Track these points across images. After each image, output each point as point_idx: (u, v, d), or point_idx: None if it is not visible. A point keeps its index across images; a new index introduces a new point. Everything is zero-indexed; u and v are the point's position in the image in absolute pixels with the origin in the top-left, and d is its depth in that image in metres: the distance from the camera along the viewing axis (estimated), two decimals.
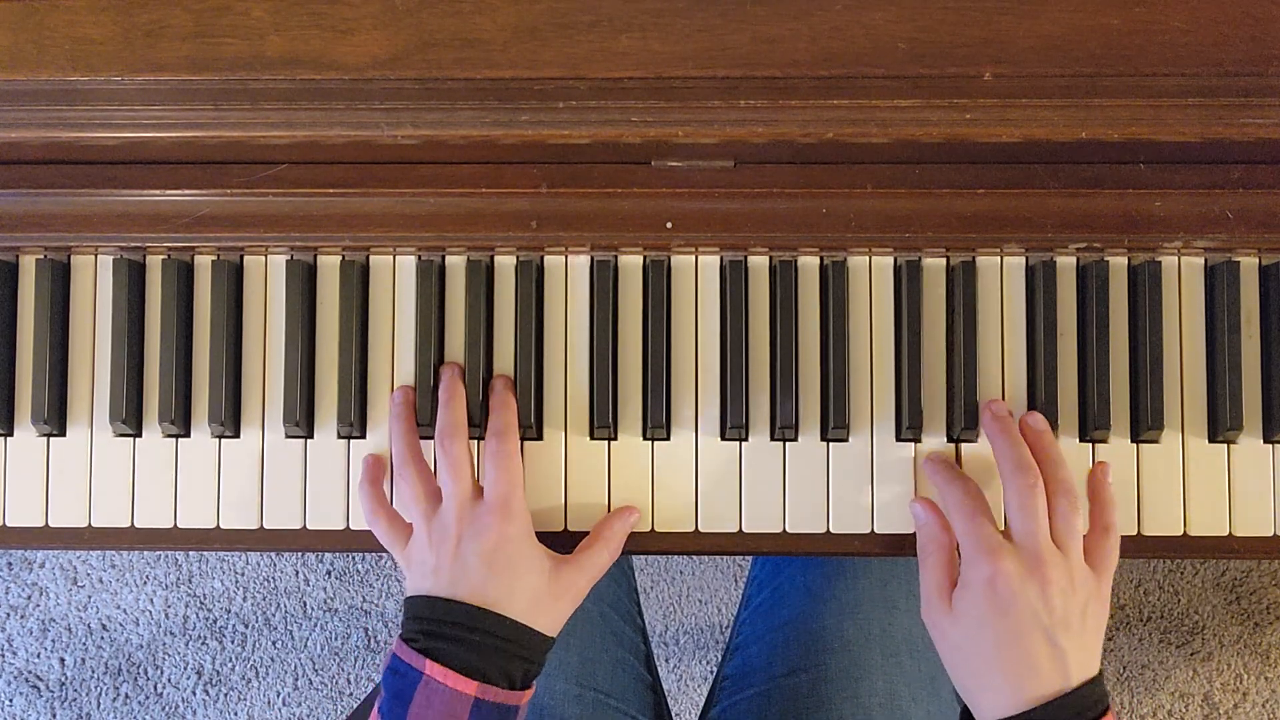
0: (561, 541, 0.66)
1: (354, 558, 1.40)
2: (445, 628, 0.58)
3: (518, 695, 0.59)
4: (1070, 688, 0.56)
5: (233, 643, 1.39)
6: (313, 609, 1.40)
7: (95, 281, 0.67)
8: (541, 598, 0.61)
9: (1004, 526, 0.63)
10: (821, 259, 0.67)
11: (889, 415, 0.66)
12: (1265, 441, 0.66)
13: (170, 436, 0.67)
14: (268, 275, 0.68)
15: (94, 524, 0.67)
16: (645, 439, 0.67)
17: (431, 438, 0.66)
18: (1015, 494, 0.59)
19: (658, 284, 0.66)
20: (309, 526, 0.67)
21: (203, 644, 1.39)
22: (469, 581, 0.59)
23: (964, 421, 0.65)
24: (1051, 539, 0.58)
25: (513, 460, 0.62)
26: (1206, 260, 0.66)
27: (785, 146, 0.61)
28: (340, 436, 0.67)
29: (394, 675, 0.58)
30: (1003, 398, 0.66)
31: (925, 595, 0.61)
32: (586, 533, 0.66)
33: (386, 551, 0.65)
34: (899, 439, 0.66)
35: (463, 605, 0.58)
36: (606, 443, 0.66)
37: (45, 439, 0.67)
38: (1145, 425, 0.65)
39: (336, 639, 1.39)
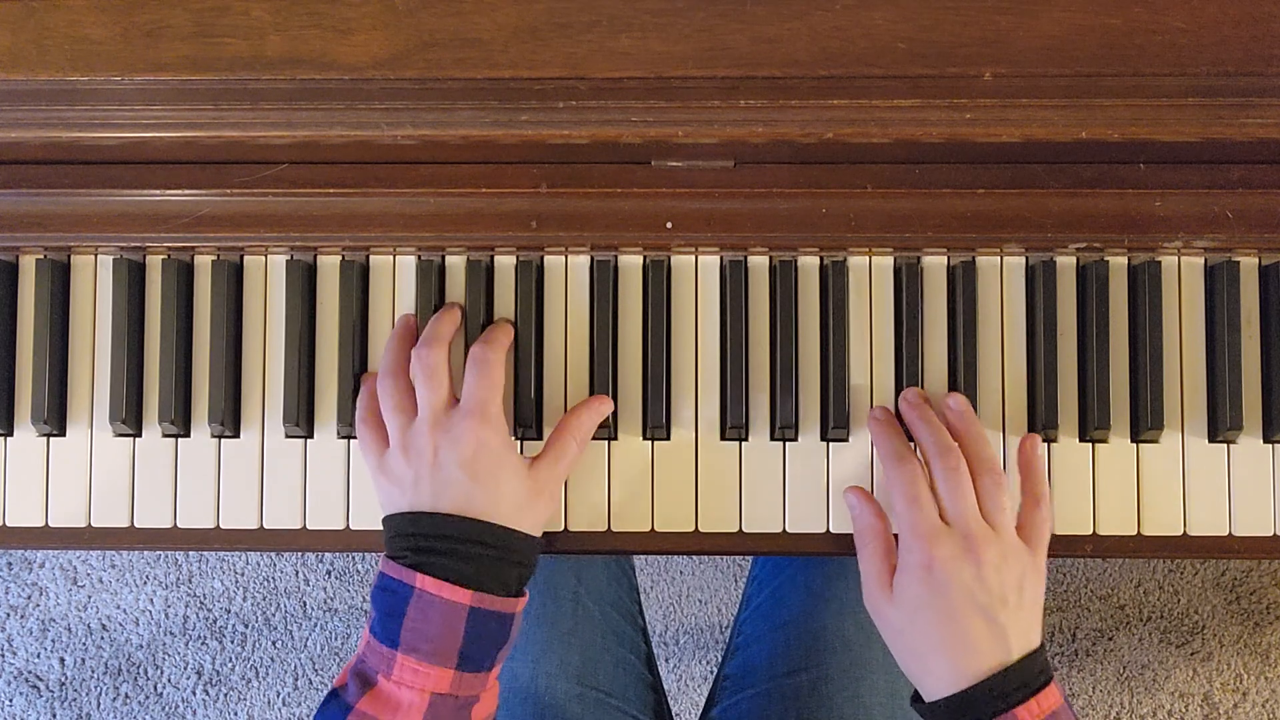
0: (561, 541, 0.66)
1: (354, 558, 1.40)
2: (433, 541, 0.57)
3: (513, 602, 0.59)
4: (1010, 661, 0.57)
5: (233, 643, 1.39)
6: (313, 609, 1.40)
7: (95, 281, 0.67)
8: (523, 500, 0.60)
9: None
10: (821, 259, 0.67)
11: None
12: (1265, 441, 0.66)
13: (170, 436, 0.67)
14: (268, 275, 0.68)
15: (94, 524, 0.67)
16: (645, 439, 0.67)
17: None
18: (940, 477, 0.60)
19: (658, 284, 0.66)
20: (309, 526, 0.67)
21: (203, 644, 1.39)
22: (451, 492, 0.58)
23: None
24: (982, 517, 0.59)
25: (494, 368, 0.61)
26: (1206, 260, 0.66)
27: (785, 146, 0.61)
28: (340, 436, 0.67)
29: (384, 593, 0.57)
30: (1002, 398, 0.66)
31: (865, 582, 0.62)
32: (587, 533, 0.66)
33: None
34: None
35: (449, 517, 0.58)
36: (607, 443, 0.66)
37: (45, 439, 0.67)
38: (1145, 425, 0.65)
39: (336, 639, 1.39)
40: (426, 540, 0.58)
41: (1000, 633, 0.57)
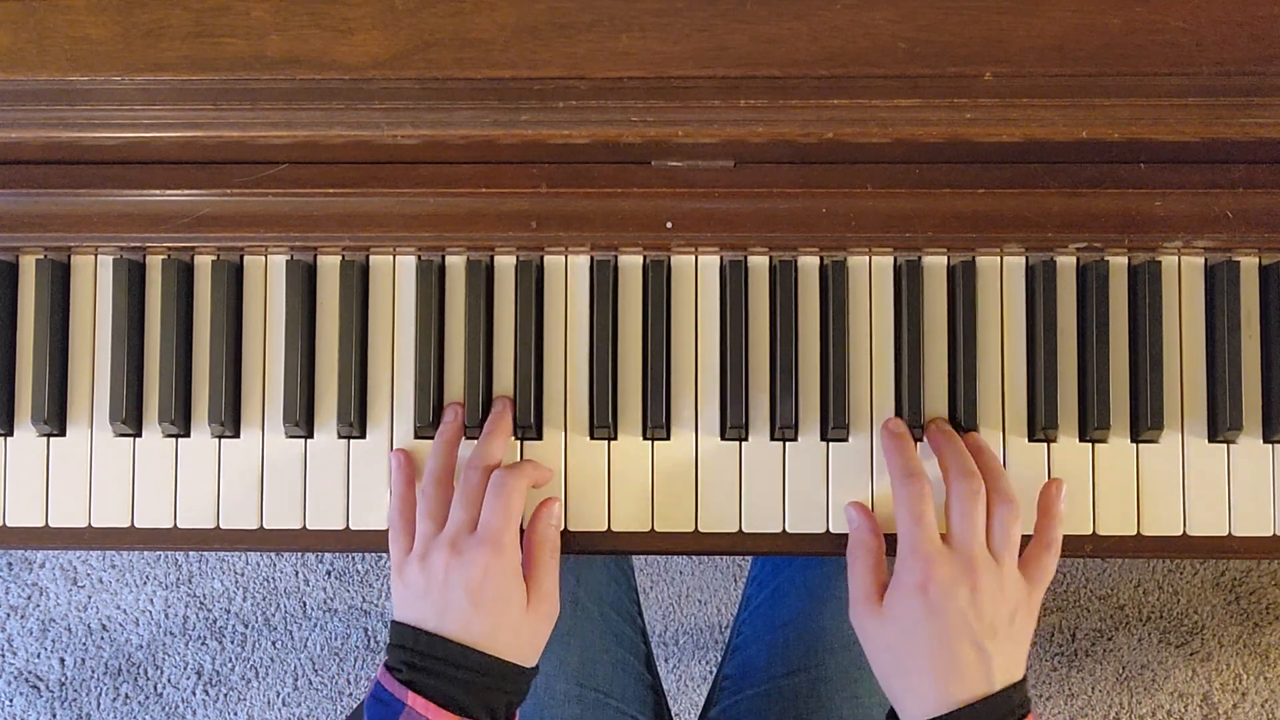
0: (561, 541, 0.66)
1: (354, 558, 1.40)
2: (429, 661, 0.58)
3: None
4: (993, 691, 0.57)
5: (233, 643, 1.39)
6: (313, 609, 1.40)
7: (95, 281, 0.67)
8: (522, 630, 0.61)
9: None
10: (821, 259, 0.67)
11: (889, 415, 0.66)
12: (1265, 441, 0.66)
13: (170, 436, 0.67)
14: (268, 275, 0.68)
15: (94, 524, 0.67)
16: (645, 439, 0.67)
17: (426, 436, 0.66)
18: (958, 499, 0.60)
19: (658, 284, 0.66)
20: (309, 526, 0.67)
21: (203, 644, 1.39)
22: (453, 615, 0.59)
23: (964, 422, 0.65)
24: (988, 546, 0.59)
25: (514, 496, 0.62)
26: (1206, 260, 0.66)
27: (785, 146, 0.61)
28: (340, 436, 0.67)
29: (377, 703, 0.58)
30: (1002, 397, 0.66)
31: (853, 597, 0.61)
32: (587, 533, 0.66)
33: (386, 552, 0.65)
34: None
35: (447, 642, 0.59)
36: (606, 443, 0.66)
37: (45, 439, 0.67)
38: (1145, 425, 0.65)
39: (336, 639, 1.39)
40: (422, 659, 0.59)
41: (987, 661, 0.57)
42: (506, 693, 0.60)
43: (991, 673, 0.57)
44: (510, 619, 0.60)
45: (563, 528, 0.66)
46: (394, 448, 0.66)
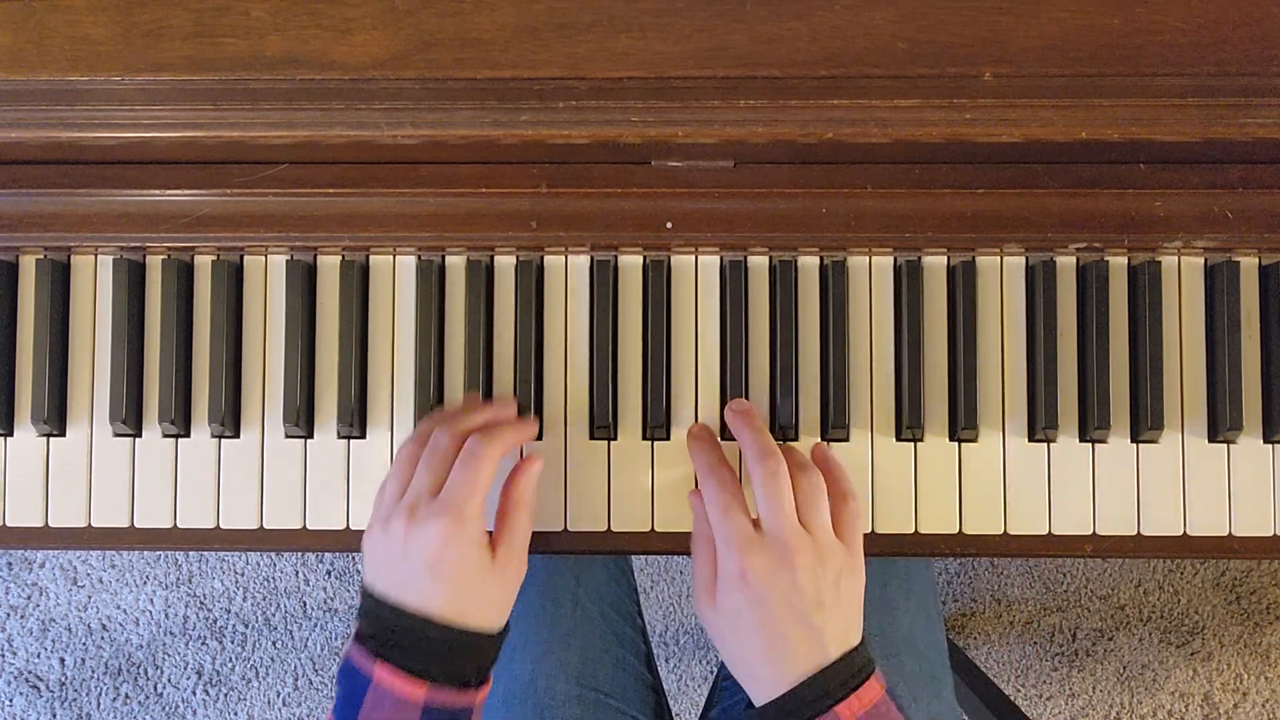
0: (561, 541, 0.66)
1: (354, 558, 1.40)
2: (393, 635, 0.57)
3: (470, 695, 0.58)
4: (828, 662, 0.56)
5: (233, 643, 1.39)
6: (313, 609, 1.40)
7: (95, 281, 0.67)
8: (487, 596, 0.59)
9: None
10: (821, 259, 0.67)
11: (889, 415, 0.66)
12: (1265, 441, 0.66)
13: (170, 436, 0.67)
14: (268, 275, 0.68)
15: (94, 524, 0.67)
16: (645, 439, 0.67)
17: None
18: (760, 482, 0.60)
19: (658, 284, 0.66)
20: (309, 526, 0.67)
21: (203, 644, 1.39)
22: (415, 588, 0.57)
23: (964, 421, 0.65)
24: (800, 521, 0.59)
25: (483, 466, 0.59)
26: (1206, 260, 0.66)
27: (785, 146, 0.61)
28: (340, 436, 0.67)
29: (346, 675, 0.57)
30: (1002, 397, 0.66)
31: (695, 589, 0.61)
32: (587, 533, 0.66)
33: None
34: (899, 439, 0.66)
35: (409, 615, 0.57)
36: (606, 443, 0.66)
37: (45, 439, 0.67)
38: (1145, 425, 0.65)
39: (336, 639, 1.39)
40: (387, 631, 0.57)
41: (817, 635, 0.57)
42: (475, 660, 0.59)
43: (825, 644, 0.57)
44: (472, 588, 0.58)
45: (563, 528, 0.66)
46: (394, 449, 0.66)
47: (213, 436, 0.67)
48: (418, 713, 0.56)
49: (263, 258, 0.67)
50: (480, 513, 0.59)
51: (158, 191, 0.64)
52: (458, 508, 0.57)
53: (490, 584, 0.59)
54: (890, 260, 0.67)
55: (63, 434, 0.67)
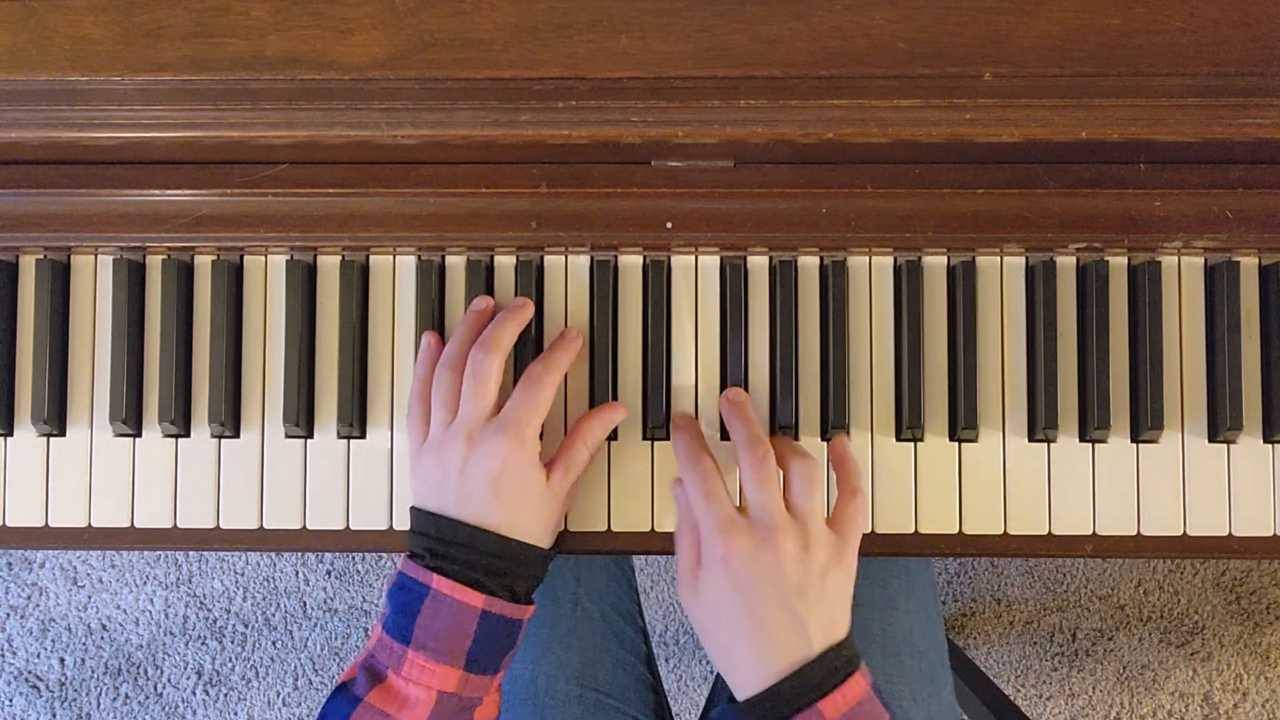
0: (562, 541, 0.66)
1: (354, 558, 1.40)
2: (451, 548, 0.59)
3: (523, 609, 0.60)
4: (813, 655, 0.56)
5: (233, 643, 1.39)
6: (313, 609, 1.40)
7: (95, 281, 0.67)
8: (540, 516, 0.61)
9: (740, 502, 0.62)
10: (821, 259, 0.67)
11: (889, 415, 0.66)
12: (1265, 441, 0.66)
13: (170, 436, 0.67)
14: (268, 275, 0.68)
15: (94, 524, 0.67)
16: (645, 439, 0.67)
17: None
18: (748, 466, 0.60)
19: (657, 284, 0.66)
20: (309, 526, 0.67)
21: (203, 644, 1.39)
22: (474, 503, 0.59)
23: (964, 421, 0.65)
24: (788, 505, 0.59)
25: (543, 390, 0.62)
26: (1206, 260, 0.66)
27: (785, 146, 0.61)
28: (340, 436, 0.67)
29: (401, 591, 0.59)
30: (1002, 398, 0.66)
31: (679, 577, 0.61)
32: (587, 533, 0.66)
33: (386, 552, 0.65)
34: (899, 439, 0.66)
35: (469, 528, 0.59)
36: (607, 443, 0.66)
37: (45, 439, 0.67)
38: (1145, 425, 0.65)
39: (336, 639, 1.39)
40: (444, 545, 0.59)
41: (801, 624, 0.56)
42: (526, 575, 0.61)
43: (809, 637, 0.56)
44: (529, 506, 0.61)
45: (563, 528, 0.66)
46: (394, 449, 0.67)
47: (213, 436, 0.67)
48: (476, 617, 0.58)
49: (263, 258, 0.67)
50: (537, 435, 0.62)
51: (158, 191, 0.64)
52: (519, 428, 0.60)
53: (544, 503, 0.61)
54: (890, 260, 0.67)
55: (63, 434, 0.67)
